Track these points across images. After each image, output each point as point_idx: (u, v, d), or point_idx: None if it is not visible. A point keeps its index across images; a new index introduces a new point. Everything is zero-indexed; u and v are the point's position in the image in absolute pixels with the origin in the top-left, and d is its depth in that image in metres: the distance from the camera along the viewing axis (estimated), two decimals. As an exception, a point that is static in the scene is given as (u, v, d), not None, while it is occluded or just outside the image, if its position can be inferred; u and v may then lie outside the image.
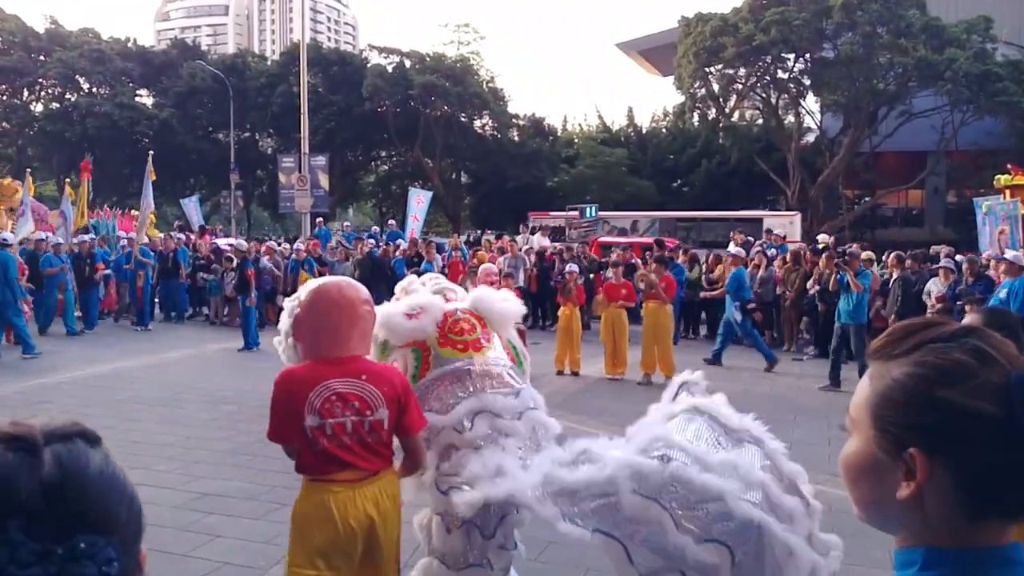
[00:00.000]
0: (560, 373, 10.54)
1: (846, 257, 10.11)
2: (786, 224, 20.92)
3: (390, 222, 21.34)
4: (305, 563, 2.71)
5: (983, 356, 0.89)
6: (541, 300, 15.72)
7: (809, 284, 12.40)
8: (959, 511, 0.89)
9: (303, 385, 2.72)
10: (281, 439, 2.81)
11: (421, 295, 3.47)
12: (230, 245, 16.28)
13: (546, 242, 18.69)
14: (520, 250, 16.17)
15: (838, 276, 9.93)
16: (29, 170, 18.01)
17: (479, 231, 38.27)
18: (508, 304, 3.47)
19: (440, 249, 17.05)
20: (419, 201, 21.12)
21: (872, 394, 0.95)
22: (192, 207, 25.93)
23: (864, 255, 14.03)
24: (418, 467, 2.98)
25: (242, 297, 12.96)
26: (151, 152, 19.00)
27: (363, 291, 2.94)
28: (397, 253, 16.13)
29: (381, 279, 15.29)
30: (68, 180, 18.29)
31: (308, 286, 2.98)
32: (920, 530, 0.92)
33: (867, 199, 31.49)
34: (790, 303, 12.94)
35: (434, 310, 3.31)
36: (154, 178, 17.66)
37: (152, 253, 16.02)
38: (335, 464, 2.70)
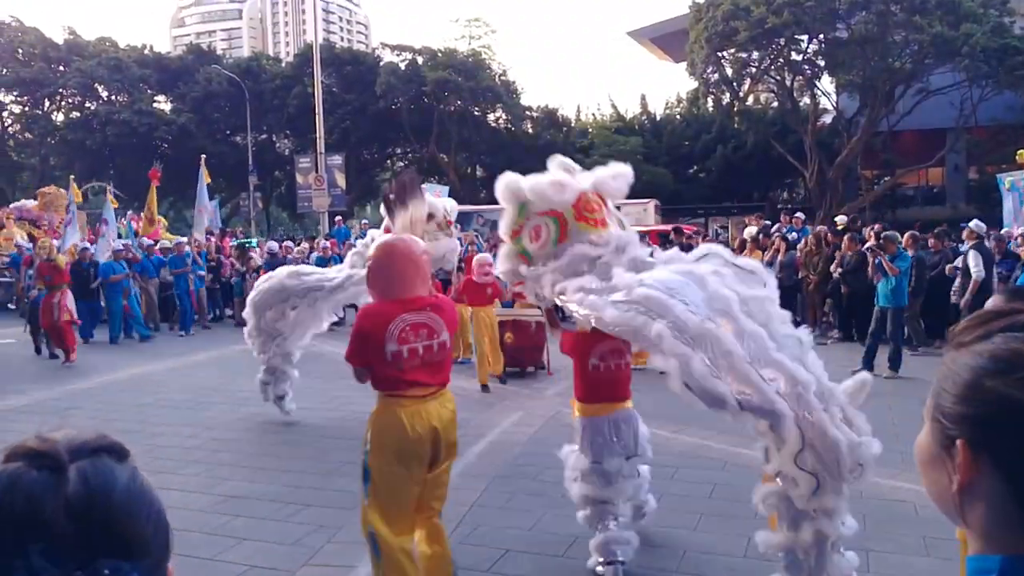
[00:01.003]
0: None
1: (881, 241, 9.98)
2: (640, 211, 20.88)
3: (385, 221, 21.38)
4: (383, 463, 3.33)
5: None
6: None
7: (833, 267, 12.28)
8: (1014, 512, 0.82)
9: (383, 318, 3.35)
10: (359, 362, 3.41)
11: (560, 174, 4.01)
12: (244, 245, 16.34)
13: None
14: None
15: (875, 261, 9.82)
16: (72, 177, 17.76)
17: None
18: (619, 181, 4.17)
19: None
20: (436, 196, 21.14)
21: (936, 383, 0.91)
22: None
23: (839, 227, 13.85)
24: None
25: None
26: (203, 156, 19.28)
27: (421, 244, 3.64)
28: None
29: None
30: (110, 188, 18.66)
31: (376, 243, 3.61)
32: (980, 531, 0.86)
33: (886, 179, 31.12)
34: (813, 286, 12.82)
35: (572, 188, 3.90)
36: (208, 180, 17.80)
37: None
38: (407, 382, 3.34)
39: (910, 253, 10.51)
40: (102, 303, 14.27)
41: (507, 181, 4.02)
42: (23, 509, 0.74)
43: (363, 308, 3.59)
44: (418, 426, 3.32)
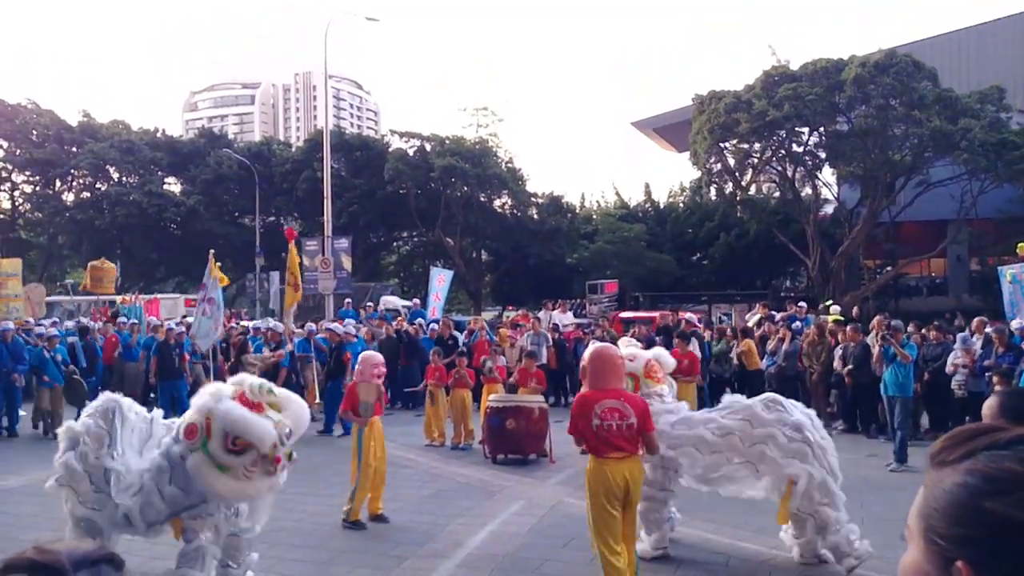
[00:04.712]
0: (585, 452, 10.07)
1: (890, 330, 9.99)
2: None
3: (414, 301, 21.49)
4: (598, 503, 4.75)
5: None
6: (562, 377, 15.54)
7: (836, 364, 12.14)
8: None
9: (592, 403, 4.81)
10: (577, 434, 4.91)
11: (632, 349, 6.58)
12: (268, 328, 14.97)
13: (568, 318, 18.66)
14: (542, 327, 16.13)
15: (883, 348, 9.79)
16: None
17: (500, 308, 38.45)
18: (669, 358, 6.78)
19: (460, 327, 17.06)
20: (440, 280, 21.30)
21: (923, 503, 0.90)
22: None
23: (831, 318, 13.89)
24: (653, 451, 5.18)
25: (333, 383, 12.53)
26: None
27: (618, 351, 5.38)
28: (424, 333, 16.17)
29: (412, 355, 15.29)
30: (219, 264, 14.63)
31: (589, 350, 5.29)
32: None
33: (889, 269, 31.32)
34: (817, 377, 12.72)
35: (641, 358, 6.28)
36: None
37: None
38: (608, 446, 4.75)
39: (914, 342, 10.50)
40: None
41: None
42: None
43: (579, 394, 5.03)
44: (618, 478, 4.73)
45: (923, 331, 12.67)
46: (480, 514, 7.37)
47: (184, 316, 18.91)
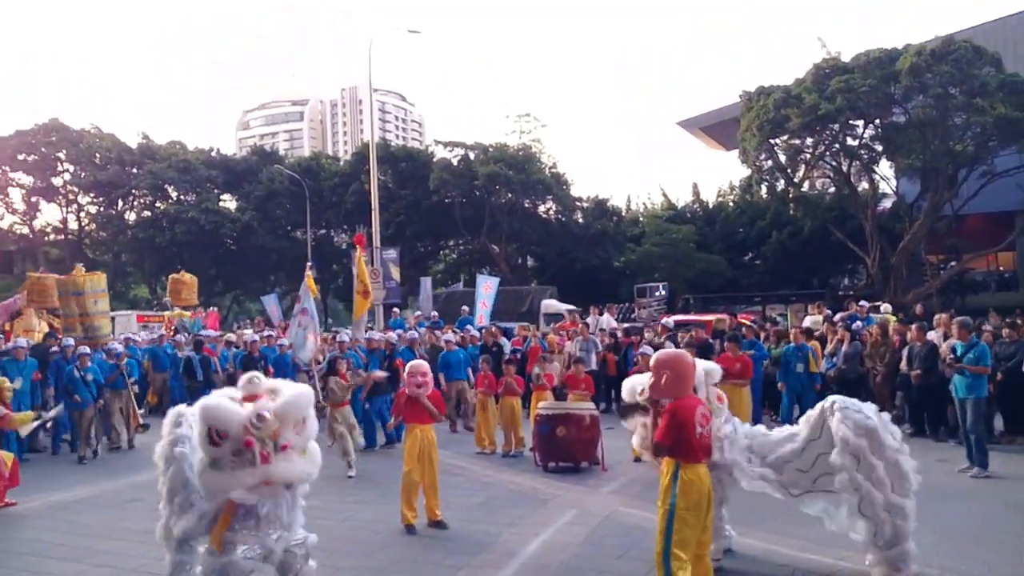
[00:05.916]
0: (638, 460, 9.40)
1: (961, 327, 9.43)
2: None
3: (463, 308, 21.43)
4: (695, 513, 4.67)
5: None
6: (618, 384, 15.18)
7: (902, 366, 11.60)
8: None
9: (694, 410, 4.77)
10: (670, 442, 4.71)
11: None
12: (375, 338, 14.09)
13: (614, 322, 18.41)
14: (591, 332, 15.90)
15: (957, 371, 9.15)
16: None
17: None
18: (714, 367, 6.09)
19: (508, 335, 16.90)
20: (487, 288, 21.19)
21: None
22: (272, 304, 26.71)
23: (885, 316, 13.17)
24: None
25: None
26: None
27: (691, 357, 5.19)
28: (469, 341, 16.06)
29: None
30: (311, 273, 13.73)
31: (665, 356, 5.05)
32: None
33: (953, 264, 30.23)
34: (881, 378, 12.23)
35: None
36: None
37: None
38: (705, 452, 4.85)
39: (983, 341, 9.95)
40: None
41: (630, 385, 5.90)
42: None
43: (677, 402, 4.78)
44: (707, 482, 4.79)
45: (984, 326, 12.05)
46: (532, 523, 7.21)
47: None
